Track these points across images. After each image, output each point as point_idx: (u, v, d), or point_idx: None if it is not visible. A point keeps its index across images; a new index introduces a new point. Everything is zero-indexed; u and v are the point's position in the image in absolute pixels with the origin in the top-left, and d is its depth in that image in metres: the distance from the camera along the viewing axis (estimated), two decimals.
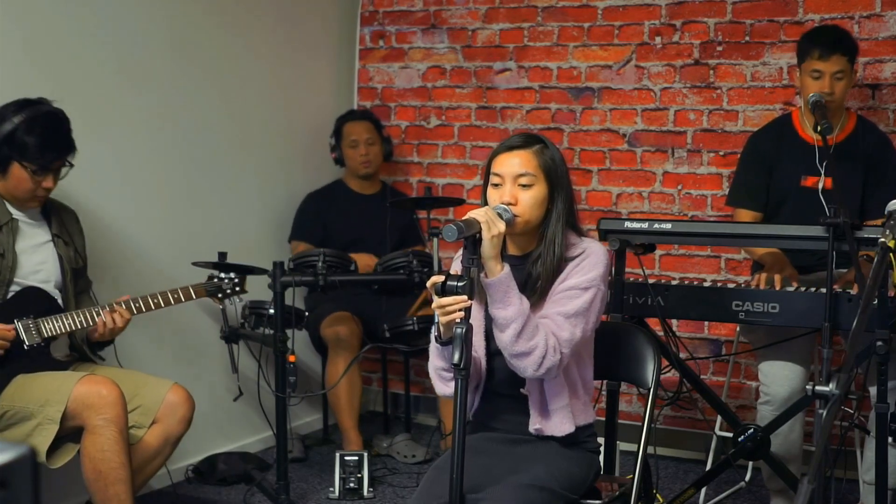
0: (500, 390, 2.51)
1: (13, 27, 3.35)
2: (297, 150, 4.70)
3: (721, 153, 4.31)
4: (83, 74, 3.60)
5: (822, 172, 3.49)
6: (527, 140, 2.48)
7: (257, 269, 3.57)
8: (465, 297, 2.21)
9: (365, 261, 4.25)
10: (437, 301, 2.25)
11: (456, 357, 2.17)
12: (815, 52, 3.42)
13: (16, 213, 3.09)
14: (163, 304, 3.21)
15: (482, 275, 2.32)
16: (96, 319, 3.08)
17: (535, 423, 2.46)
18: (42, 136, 2.99)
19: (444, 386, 2.46)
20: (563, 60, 4.58)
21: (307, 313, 4.11)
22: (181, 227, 4.03)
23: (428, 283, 2.30)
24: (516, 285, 2.33)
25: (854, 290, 3.08)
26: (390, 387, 4.85)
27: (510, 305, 2.31)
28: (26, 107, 3.01)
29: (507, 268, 2.32)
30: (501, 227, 2.31)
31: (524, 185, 2.41)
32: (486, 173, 2.48)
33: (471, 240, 2.26)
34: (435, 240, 3.83)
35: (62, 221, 3.22)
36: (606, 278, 2.45)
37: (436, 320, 2.33)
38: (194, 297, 3.31)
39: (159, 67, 3.92)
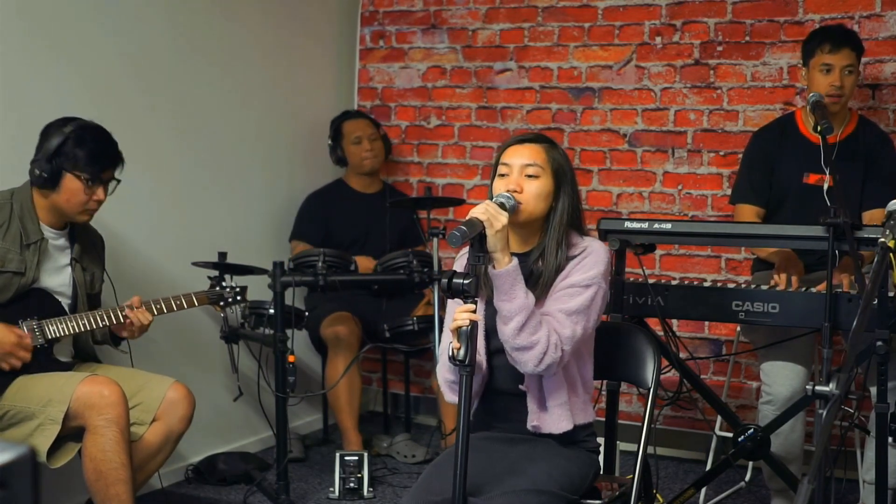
0: (499, 388, 2.52)
1: (16, 27, 3.35)
2: (298, 151, 4.70)
3: (721, 153, 4.31)
4: (82, 75, 3.61)
5: (826, 171, 3.50)
6: (537, 137, 2.56)
7: (257, 269, 3.57)
8: (473, 307, 2.24)
9: (364, 263, 4.24)
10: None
11: (461, 353, 2.20)
12: (826, 45, 3.48)
13: (46, 233, 3.09)
14: (165, 311, 3.21)
15: (490, 266, 2.34)
16: (104, 322, 3.09)
17: (532, 420, 2.47)
18: (92, 145, 3.03)
19: (453, 395, 2.52)
20: (564, 60, 4.58)
21: (307, 313, 4.11)
22: (181, 227, 4.03)
23: (451, 327, 2.28)
24: (523, 279, 2.35)
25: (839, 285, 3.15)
26: (390, 387, 4.85)
27: (515, 298, 2.33)
28: (71, 121, 3.06)
29: (515, 260, 2.35)
30: (504, 219, 2.33)
31: (531, 176, 2.45)
32: (494, 167, 2.52)
33: (476, 239, 2.29)
34: (435, 240, 3.83)
35: (86, 246, 3.22)
36: (607, 276, 2.48)
37: (449, 341, 2.35)
38: (196, 304, 3.33)
39: (158, 69, 3.92)
